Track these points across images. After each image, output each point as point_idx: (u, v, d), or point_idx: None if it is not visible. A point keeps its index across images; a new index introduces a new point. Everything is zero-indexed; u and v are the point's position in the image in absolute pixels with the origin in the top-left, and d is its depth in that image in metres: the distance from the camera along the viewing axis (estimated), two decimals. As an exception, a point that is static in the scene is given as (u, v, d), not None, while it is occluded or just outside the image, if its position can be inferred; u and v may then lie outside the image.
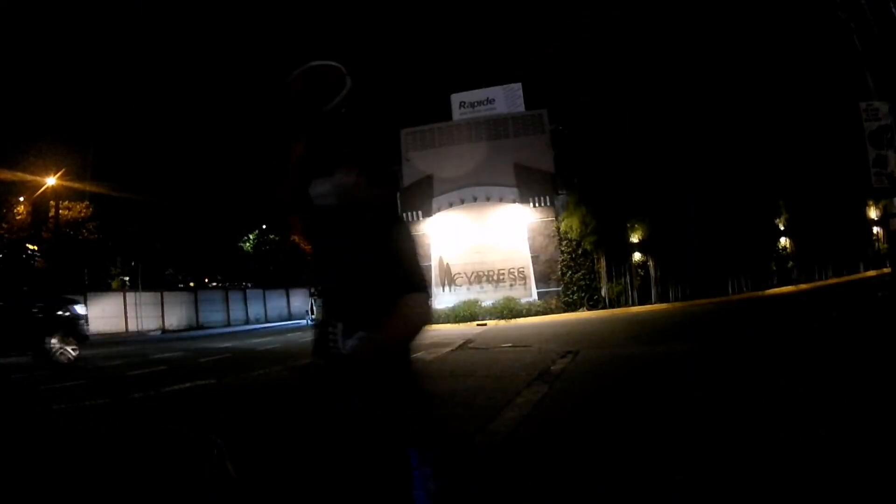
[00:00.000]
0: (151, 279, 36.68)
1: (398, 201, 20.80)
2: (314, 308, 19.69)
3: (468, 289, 20.99)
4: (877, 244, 23.61)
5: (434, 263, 21.27)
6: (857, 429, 3.97)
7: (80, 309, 13.08)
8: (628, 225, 19.94)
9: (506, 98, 22.45)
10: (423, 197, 21.74)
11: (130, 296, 33.26)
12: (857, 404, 4.59)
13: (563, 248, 20.33)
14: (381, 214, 1.78)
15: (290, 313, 42.73)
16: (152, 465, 4.30)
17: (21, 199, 27.67)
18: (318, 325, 1.80)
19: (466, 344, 12.73)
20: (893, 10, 11.12)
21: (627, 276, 20.10)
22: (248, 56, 50.11)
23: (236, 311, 40.16)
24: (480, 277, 20.98)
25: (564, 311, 19.59)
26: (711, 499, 3.13)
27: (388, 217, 1.81)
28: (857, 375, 5.66)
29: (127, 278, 36.92)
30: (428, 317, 1.75)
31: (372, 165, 1.80)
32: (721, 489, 3.20)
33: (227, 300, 40.01)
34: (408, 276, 1.72)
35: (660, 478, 3.47)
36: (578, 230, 19.68)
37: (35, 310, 11.66)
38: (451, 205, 21.38)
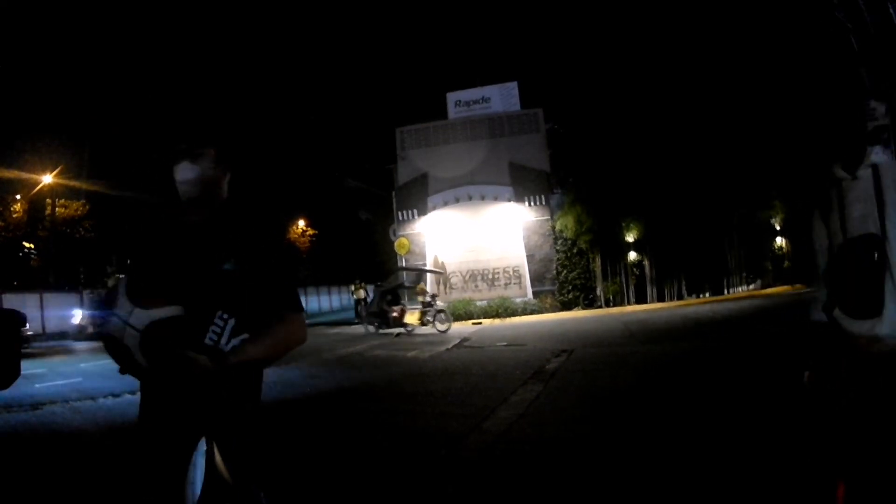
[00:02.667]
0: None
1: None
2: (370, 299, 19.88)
3: (463, 288, 20.94)
4: (873, 244, 23.66)
5: (429, 262, 21.21)
6: (853, 429, 3.93)
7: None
8: (624, 224, 19.91)
9: (501, 97, 22.38)
10: (418, 195, 21.71)
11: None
12: (853, 404, 4.55)
13: (558, 248, 20.30)
14: (264, 231, 1.96)
15: None
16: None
17: (18, 196, 27.51)
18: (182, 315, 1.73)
19: (462, 342, 12.66)
20: (891, 9, 11.11)
21: (623, 276, 20.09)
22: (247, 55, 49.97)
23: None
24: (475, 276, 20.92)
25: (560, 311, 19.54)
26: (707, 499, 3.09)
27: (269, 232, 1.99)
28: (852, 375, 5.62)
29: (122, 276, 36.69)
30: (303, 337, 1.88)
31: (226, 158, 1.95)
32: (716, 489, 3.16)
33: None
34: (287, 294, 1.86)
35: (656, 477, 3.43)
36: (573, 229, 19.64)
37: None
38: (446, 203, 21.32)
